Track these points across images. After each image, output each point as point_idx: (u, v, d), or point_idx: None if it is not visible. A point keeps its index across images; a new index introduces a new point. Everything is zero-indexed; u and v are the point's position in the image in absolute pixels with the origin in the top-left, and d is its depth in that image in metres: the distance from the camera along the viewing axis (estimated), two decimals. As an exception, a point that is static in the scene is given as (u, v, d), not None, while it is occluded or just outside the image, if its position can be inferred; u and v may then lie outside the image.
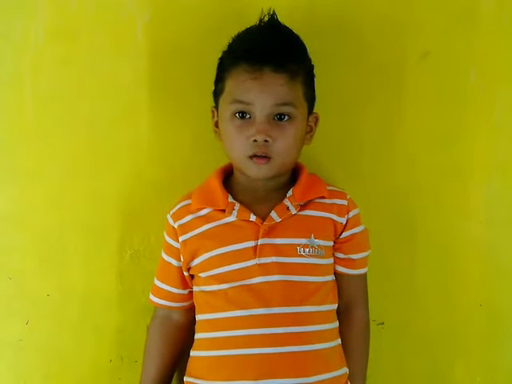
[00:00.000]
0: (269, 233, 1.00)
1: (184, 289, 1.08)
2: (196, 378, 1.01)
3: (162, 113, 1.18)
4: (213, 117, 1.07)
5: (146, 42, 1.17)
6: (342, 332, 1.06)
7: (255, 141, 0.98)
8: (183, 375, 1.06)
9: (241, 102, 0.99)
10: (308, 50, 1.05)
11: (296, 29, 1.04)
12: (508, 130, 1.20)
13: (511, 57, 1.19)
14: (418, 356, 1.23)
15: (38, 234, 1.18)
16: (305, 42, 1.04)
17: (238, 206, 1.01)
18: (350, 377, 1.06)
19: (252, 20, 1.05)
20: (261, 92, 0.97)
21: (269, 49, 0.98)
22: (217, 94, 1.05)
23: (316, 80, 1.07)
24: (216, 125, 1.06)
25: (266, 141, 0.98)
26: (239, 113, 0.99)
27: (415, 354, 1.23)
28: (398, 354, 1.22)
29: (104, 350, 1.20)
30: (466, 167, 1.21)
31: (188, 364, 1.05)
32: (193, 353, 1.04)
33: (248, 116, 0.99)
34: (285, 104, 0.98)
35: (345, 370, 1.04)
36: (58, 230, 1.19)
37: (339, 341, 1.05)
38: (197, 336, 1.05)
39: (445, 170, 1.20)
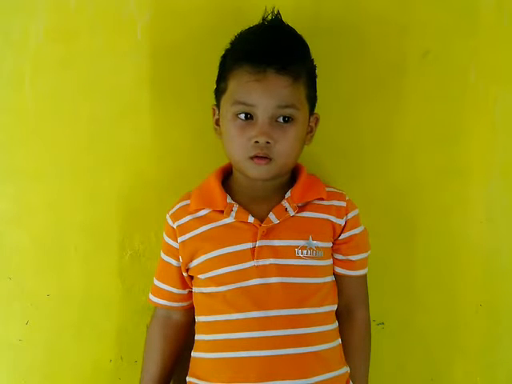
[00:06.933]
0: (267, 234, 0.99)
1: (184, 289, 1.08)
2: (199, 379, 1.01)
3: (162, 113, 1.18)
4: (213, 115, 1.07)
5: (145, 42, 1.17)
6: (343, 333, 1.06)
7: (256, 142, 0.98)
8: (181, 374, 1.06)
9: (243, 103, 0.98)
10: (310, 49, 1.04)
11: (296, 28, 1.04)
12: (508, 130, 1.20)
13: (511, 57, 1.19)
14: (418, 356, 1.23)
15: (38, 234, 1.19)
16: (306, 42, 1.04)
17: (236, 207, 1.01)
18: (353, 378, 1.06)
19: (252, 20, 1.04)
20: (264, 94, 0.97)
21: (272, 50, 0.98)
22: (219, 92, 1.04)
23: (317, 80, 1.06)
24: (217, 123, 1.06)
25: (267, 142, 0.98)
26: (241, 113, 0.99)
27: (415, 353, 1.23)
28: (398, 353, 1.23)
29: (104, 350, 1.20)
30: (466, 167, 1.21)
31: (190, 364, 1.05)
32: (194, 354, 1.04)
33: (250, 117, 0.99)
34: (287, 106, 0.98)
35: (345, 369, 1.04)
36: (57, 229, 1.19)
37: (339, 341, 1.05)
38: (197, 337, 1.05)
39: (445, 169, 1.20)
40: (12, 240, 1.19)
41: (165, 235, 1.08)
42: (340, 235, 1.05)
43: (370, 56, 1.18)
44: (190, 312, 1.09)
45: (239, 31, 1.05)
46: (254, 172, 1.01)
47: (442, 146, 1.20)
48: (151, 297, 1.11)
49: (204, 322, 1.03)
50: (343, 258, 1.06)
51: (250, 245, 0.99)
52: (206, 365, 1.01)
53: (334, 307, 1.05)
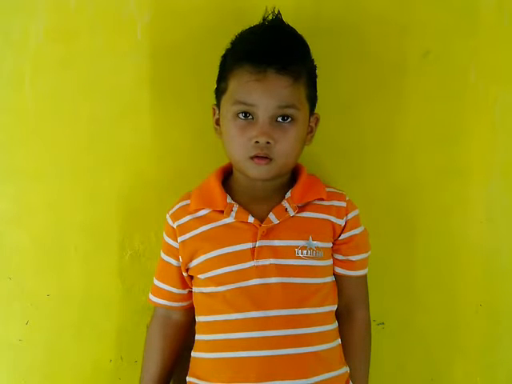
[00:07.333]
0: (267, 235, 0.99)
1: (184, 289, 1.08)
2: (199, 379, 1.01)
3: (162, 113, 1.18)
4: (214, 114, 1.07)
5: (145, 42, 1.17)
6: (343, 333, 1.06)
7: (257, 142, 0.98)
8: (181, 374, 1.06)
9: (243, 103, 0.98)
10: (310, 49, 1.04)
11: (296, 28, 1.04)
12: (508, 130, 1.20)
13: (511, 57, 1.19)
14: (418, 356, 1.23)
15: (38, 234, 1.19)
16: (306, 42, 1.04)
17: (236, 207, 1.01)
18: (353, 378, 1.06)
19: (252, 20, 1.04)
20: (264, 94, 0.97)
21: (273, 50, 0.98)
22: (219, 92, 1.04)
23: (318, 80, 1.06)
24: (217, 122, 1.06)
25: (267, 142, 0.98)
26: (242, 113, 0.99)
27: (415, 353, 1.23)
28: (398, 353, 1.23)
29: (104, 350, 1.20)
30: (466, 167, 1.21)
31: (190, 364, 1.05)
32: (194, 354, 1.05)
33: (250, 117, 0.99)
34: (288, 106, 0.98)
35: (345, 369, 1.04)
36: (57, 229, 1.19)
37: (339, 341, 1.05)
38: (197, 337, 1.05)
39: (445, 169, 1.20)
40: (12, 240, 1.19)
41: (165, 235, 1.08)
42: (340, 235, 1.05)
43: (371, 56, 1.18)
44: (189, 312, 1.09)
45: (239, 31, 1.05)
46: (254, 172, 1.01)
47: (442, 146, 1.20)
48: (151, 297, 1.11)
49: (204, 321, 1.03)
50: (343, 258, 1.06)
51: (249, 245, 0.99)
52: (205, 365, 1.01)
53: (334, 307, 1.05)
